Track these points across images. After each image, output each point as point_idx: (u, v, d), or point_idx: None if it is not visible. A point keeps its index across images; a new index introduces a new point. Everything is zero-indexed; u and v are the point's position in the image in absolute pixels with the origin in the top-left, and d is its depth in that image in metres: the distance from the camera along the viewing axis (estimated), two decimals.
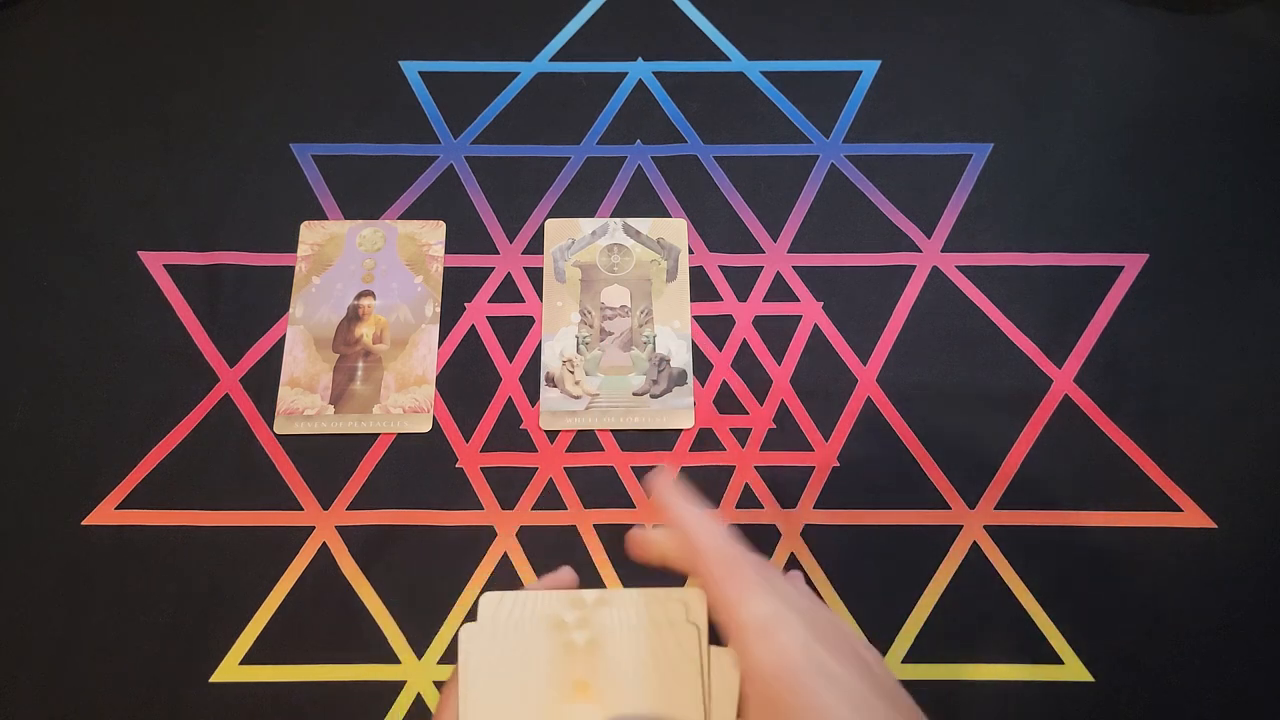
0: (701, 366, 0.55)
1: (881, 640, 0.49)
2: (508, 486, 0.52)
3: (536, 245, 0.58)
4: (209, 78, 0.63)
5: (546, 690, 0.27)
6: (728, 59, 0.64)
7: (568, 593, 0.29)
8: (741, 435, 0.53)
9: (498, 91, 0.63)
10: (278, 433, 0.53)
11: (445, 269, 0.57)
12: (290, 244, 0.58)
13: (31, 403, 0.53)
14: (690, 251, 0.58)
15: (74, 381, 0.54)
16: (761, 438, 0.53)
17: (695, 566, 0.27)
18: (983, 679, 0.48)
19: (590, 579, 0.49)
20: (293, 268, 0.57)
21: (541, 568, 0.50)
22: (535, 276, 0.57)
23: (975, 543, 0.51)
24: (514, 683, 0.27)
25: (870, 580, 0.50)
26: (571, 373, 0.54)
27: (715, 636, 0.27)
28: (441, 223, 0.59)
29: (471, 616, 0.28)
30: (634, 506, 0.52)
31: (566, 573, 0.32)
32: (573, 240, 0.58)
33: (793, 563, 0.50)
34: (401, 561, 0.50)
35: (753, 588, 0.25)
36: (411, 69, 0.64)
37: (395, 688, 0.48)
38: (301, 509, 0.51)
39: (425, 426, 0.53)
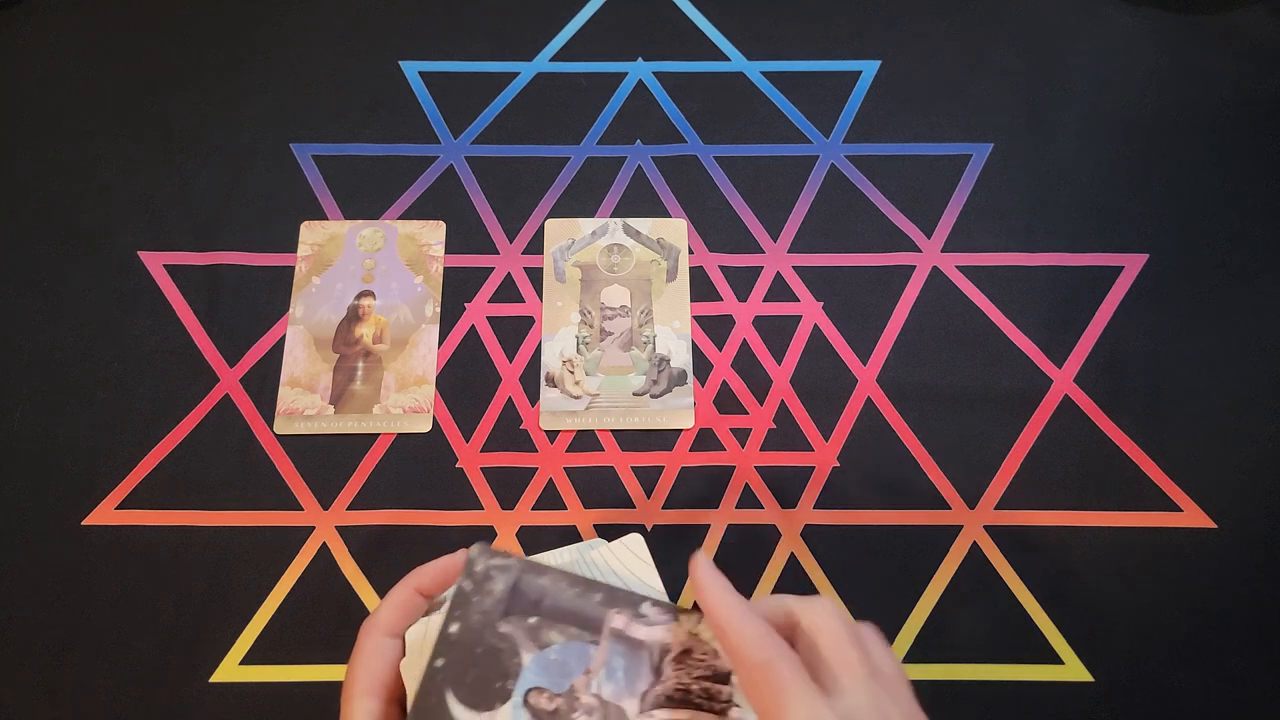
0: (701, 366, 0.55)
1: None
2: (508, 486, 0.52)
3: (536, 245, 0.58)
4: (209, 78, 0.63)
5: None
6: (728, 59, 0.64)
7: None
8: (741, 435, 0.53)
9: (498, 91, 0.63)
10: (278, 433, 0.53)
11: (445, 269, 0.57)
12: (290, 244, 0.58)
13: (31, 403, 0.53)
14: (690, 251, 0.58)
15: (74, 381, 0.54)
16: (761, 438, 0.53)
17: (733, 668, 0.25)
18: (983, 679, 0.48)
19: None
20: (293, 268, 0.57)
21: None
22: (535, 276, 0.57)
23: (975, 543, 0.51)
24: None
25: (870, 580, 0.50)
26: (571, 373, 0.54)
27: None
28: (441, 223, 0.59)
29: None
30: (634, 506, 0.52)
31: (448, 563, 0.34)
32: (573, 240, 0.58)
33: (793, 563, 0.50)
34: (401, 561, 0.49)
35: (789, 695, 0.23)
36: (411, 69, 0.64)
37: None
38: (301, 509, 0.51)
39: (425, 426, 0.53)
